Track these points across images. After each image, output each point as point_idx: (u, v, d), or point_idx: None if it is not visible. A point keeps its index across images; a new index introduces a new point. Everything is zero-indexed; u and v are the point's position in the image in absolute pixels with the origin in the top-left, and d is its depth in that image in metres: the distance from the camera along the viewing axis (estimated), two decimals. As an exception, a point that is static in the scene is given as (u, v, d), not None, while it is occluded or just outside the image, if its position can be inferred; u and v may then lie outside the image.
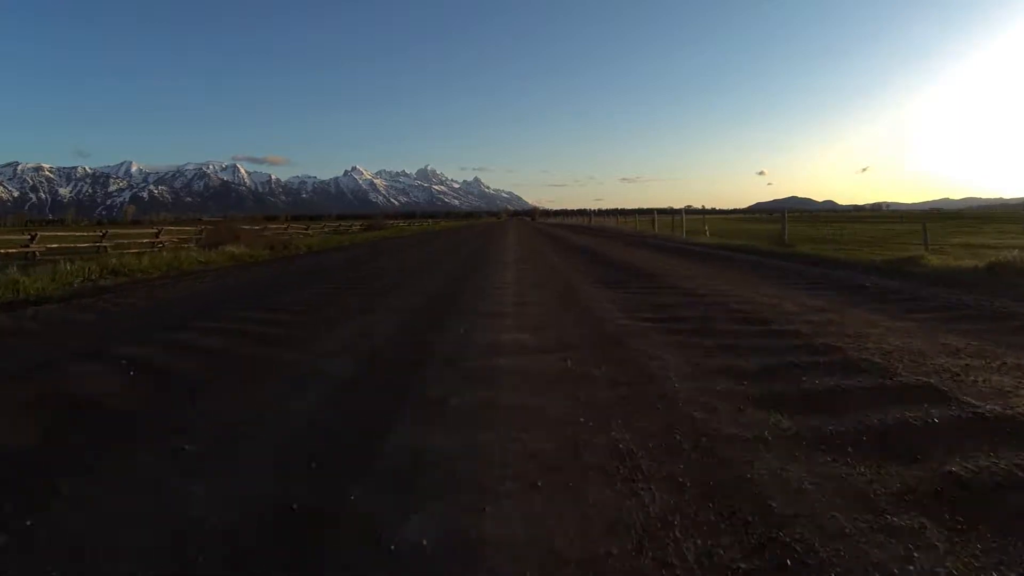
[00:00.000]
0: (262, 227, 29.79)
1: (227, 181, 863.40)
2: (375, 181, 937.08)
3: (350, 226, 47.67)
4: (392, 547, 1.78)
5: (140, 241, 20.57)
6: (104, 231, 20.88)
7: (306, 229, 39.48)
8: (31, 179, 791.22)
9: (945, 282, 7.32)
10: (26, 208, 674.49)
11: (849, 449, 2.39)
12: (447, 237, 28.46)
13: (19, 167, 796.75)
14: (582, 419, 2.80)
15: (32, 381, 3.68)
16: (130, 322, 5.95)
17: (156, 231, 23.11)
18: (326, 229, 42.58)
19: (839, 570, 1.62)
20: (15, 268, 9.55)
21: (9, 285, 7.94)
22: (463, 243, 22.33)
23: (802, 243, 16.03)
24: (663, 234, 24.74)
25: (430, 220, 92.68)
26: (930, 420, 2.66)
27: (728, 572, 1.62)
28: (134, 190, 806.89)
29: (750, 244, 15.30)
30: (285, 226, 37.86)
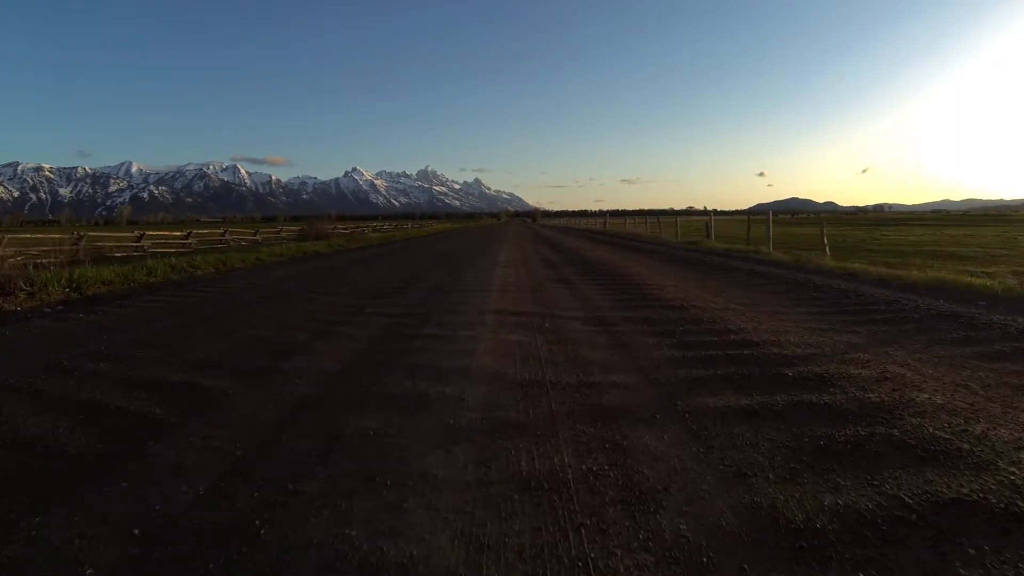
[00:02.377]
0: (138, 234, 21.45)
1: (227, 182, 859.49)
2: (376, 182, 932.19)
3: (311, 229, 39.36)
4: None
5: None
6: None
7: (254, 234, 31.55)
8: (31, 179, 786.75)
9: None
10: (26, 208, 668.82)
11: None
12: (405, 257, 18.20)
13: (19, 167, 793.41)
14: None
15: None
16: None
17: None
18: (283, 234, 34.55)
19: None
20: None
21: None
22: (417, 279, 13.12)
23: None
24: (737, 249, 16.36)
25: (413, 225, 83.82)
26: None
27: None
28: (134, 190, 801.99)
29: (1003, 286, 7.12)
30: (222, 231, 29.80)
